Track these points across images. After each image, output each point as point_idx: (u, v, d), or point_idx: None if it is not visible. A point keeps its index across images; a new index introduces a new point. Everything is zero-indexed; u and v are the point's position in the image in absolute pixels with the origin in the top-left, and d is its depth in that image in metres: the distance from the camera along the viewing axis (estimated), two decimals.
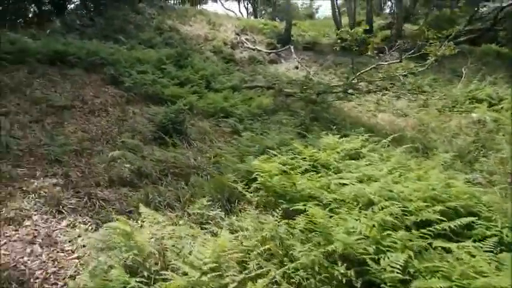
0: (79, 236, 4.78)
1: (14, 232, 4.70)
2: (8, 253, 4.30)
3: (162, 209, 5.59)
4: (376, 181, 5.84)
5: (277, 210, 5.03)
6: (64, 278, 4.08)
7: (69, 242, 4.70)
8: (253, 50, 21.00)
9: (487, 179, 7.37)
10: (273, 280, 3.81)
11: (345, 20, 24.90)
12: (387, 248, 4.14)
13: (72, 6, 19.50)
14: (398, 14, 23.32)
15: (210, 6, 38.91)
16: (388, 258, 3.94)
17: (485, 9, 24.73)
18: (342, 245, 4.05)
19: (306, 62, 20.63)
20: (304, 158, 7.07)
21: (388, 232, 4.38)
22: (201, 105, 11.14)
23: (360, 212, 4.96)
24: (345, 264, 3.92)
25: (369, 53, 15.34)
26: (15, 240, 4.55)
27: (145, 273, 3.83)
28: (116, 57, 12.36)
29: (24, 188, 5.62)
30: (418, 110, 14.28)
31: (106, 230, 4.53)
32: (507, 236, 4.56)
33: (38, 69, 10.21)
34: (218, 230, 4.82)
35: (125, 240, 4.11)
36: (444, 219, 4.62)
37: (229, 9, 38.60)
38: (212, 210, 5.47)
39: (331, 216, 4.78)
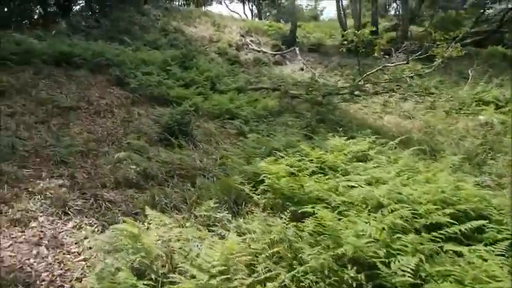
0: (85, 238, 4.74)
1: (20, 233, 4.65)
2: (14, 255, 4.26)
3: (169, 211, 5.54)
4: (384, 183, 5.79)
5: (285, 212, 4.96)
6: (70, 281, 4.03)
7: (76, 243, 4.66)
8: (258, 51, 20.97)
9: (495, 182, 7.32)
10: (283, 284, 3.75)
11: (350, 21, 24.89)
12: (398, 252, 4.07)
13: (78, 7, 19.54)
14: (404, 16, 23.23)
15: (214, 8, 39.07)
16: (399, 261, 3.88)
17: (491, 11, 24.63)
18: (352, 248, 3.99)
19: (311, 63, 20.61)
20: (311, 160, 7.01)
21: (398, 235, 4.33)
22: (207, 106, 11.10)
23: (369, 214, 4.90)
24: (355, 268, 3.85)
25: (376, 54, 15.25)
26: (21, 242, 4.51)
27: (153, 276, 3.77)
28: (121, 59, 12.33)
29: (30, 189, 5.58)
30: (424, 112, 14.23)
31: (113, 232, 4.49)
32: None
33: (43, 70, 10.19)
34: (225, 233, 4.74)
35: (132, 242, 4.06)
36: (455, 222, 4.58)
37: (233, 11, 38.65)
38: (219, 212, 5.42)
39: (339, 219, 4.73)
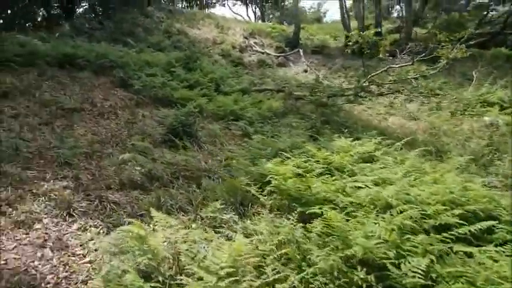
0: (90, 240, 4.68)
1: (24, 235, 4.60)
2: (18, 257, 4.20)
3: (174, 213, 5.49)
4: (391, 184, 5.74)
5: (293, 213, 4.89)
6: (76, 283, 3.97)
7: (81, 245, 4.60)
8: (262, 53, 20.99)
9: (502, 183, 7.26)
10: (292, 286, 3.68)
11: (353, 23, 24.86)
12: (407, 253, 4.02)
13: (81, 10, 19.58)
14: (407, 18, 23.31)
15: (218, 10, 39.31)
16: (409, 262, 3.81)
17: (493, 13, 24.73)
18: (362, 249, 3.93)
19: (315, 65, 20.60)
20: (318, 161, 6.95)
21: (408, 236, 4.28)
22: (211, 108, 11.08)
23: (378, 215, 4.85)
24: (365, 269, 3.79)
25: (381, 55, 15.23)
26: (25, 244, 4.46)
27: (160, 278, 3.72)
28: (125, 60, 12.33)
29: (34, 191, 5.52)
30: (429, 113, 14.17)
31: (118, 234, 4.43)
32: None
33: (47, 72, 10.18)
34: (232, 234, 4.69)
35: (138, 244, 4.01)
36: (464, 223, 4.53)
37: (237, 13, 38.70)
38: (225, 213, 5.38)
39: (347, 220, 4.67)
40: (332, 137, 8.91)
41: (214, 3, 40.71)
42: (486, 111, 13.32)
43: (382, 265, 3.86)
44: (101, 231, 4.93)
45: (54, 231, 4.80)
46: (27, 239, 4.56)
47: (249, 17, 40.20)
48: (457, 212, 4.72)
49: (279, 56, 21.28)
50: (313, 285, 3.72)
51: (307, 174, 6.12)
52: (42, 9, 17.97)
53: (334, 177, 6.19)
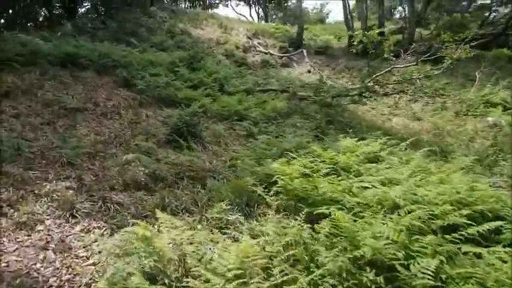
0: (94, 242, 4.61)
1: (26, 237, 4.52)
2: (20, 259, 4.13)
3: (180, 214, 5.43)
4: (397, 184, 5.76)
5: (300, 214, 4.84)
6: (79, 286, 3.90)
7: (84, 247, 4.53)
8: (266, 53, 20.99)
9: (507, 183, 7.21)
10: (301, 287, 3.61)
11: (356, 24, 25.00)
12: (417, 253, 4.03)
13: (83, 10, 19.53)
14: (410, 19, 23.35)
15: (221, 11, 39.35)
16: (419, 263, 3.81)
17: (495, 14, 25.14)
18: (371, 250, 3.90)
19: (319, 66, 20.63)
20: (324, 161, 6.94)
21: (417, 237, 4.27)
22: (215, 108, 11.04)
23: (385, 216, 4.83)
24: (374, 271, 3.76)
25: (385, 55, 15.14)
26: (27, 246, 4.38)
27: (166, 281, 3.67)
28: (128, 60, 12.26)
29: (36, 192, 5.44)
30: (432, 114, 14.33)
31: (123, 235, 4.35)
32: None
33: (49, 71, 10.09)
34: (239, 235, 4.65)
35: (144, 246, 3.93)
36: (472, 223, 4.53)
37: (240, 14, 38.77)
38: (231, 214, 5.34)
39: (355, 221, 4.65)
40: (337, 137, 8.92)
41: (218, 3, 40.86)
42: (489, 112, 13.52)
43: (391, 266, 3.85)
44: (105, 232, 4.86)
45: (56, 232, 4.73)
46: (29, 240, 4.48)
47: (252, 18, 40.30)
48: (464, 212, 4.74)
49: (282, 57, 21.24)
50: (322, 287, 3.67)
51: (314, 174, 6.08)
52: (43, 9, 17.91)
53: (340, 178, 6.20)
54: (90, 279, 3.98)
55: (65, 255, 4.33)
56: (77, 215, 5.09)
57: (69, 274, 4.04)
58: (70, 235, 4.73)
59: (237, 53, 19.90)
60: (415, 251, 4.04)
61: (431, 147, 8.72)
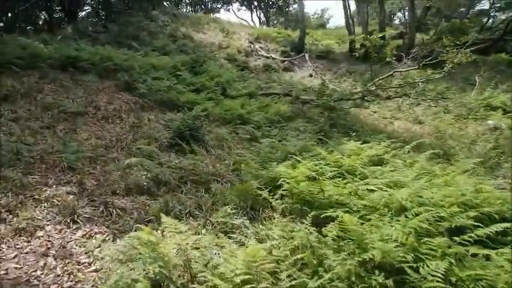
0: (97, 247, 4.50)
1: (25, 244, 4.43)
2: (19, 266, 4.04)
3: (184, 218, 5.34)
4: (403, 187, 5.75)
5: (306, 217, 4.77)
6: None
7: (86, 253, 4.43)
8: (268, 57, 21.13)
9: (511, 185, 7.16)
10: None
11: (357, 29, 25.15)
12: (426, 256, 3.98)
13: (84, 13, 19.51)
14: (410, 24, 23.63)
15: (222, 15, 39.52)
16: (428, 266, 3.79)
17: (493, 20, 26.22)
18: (380, 253, 3.88)
19: (320, 70, 20.79)
20: (328, 164, 6.89)
21: (425, 239, 4.23)
22: (218, 111, 10.99)
23: (392, 218, 4.82)
24: (383, 274, 3.75)
25: (388, 58, 15.14)
26: (27, 253, 4.29)
27: (172, 287, 3.60)
28: (130, 64, 12.20)
29: (36, 197, 5.34)
30: (434, 117, 14.56)
31: (126, 241, 4.24)
32: None
33: (49, 75, 10.01)
34: (244, 239, 4.59)
35: (148, 251, 3.82)
36: (480, 225, 4.49)
37: (242, 18, 38.96)
38: (236, 218, 5.30)
39: (362, 224, 4.64)
40: (341, 140, 8.99)
41: (219, 8, 41.02)
42: (489, 115, 13.85)
43: (400, 269, 3.85)
44: (107, 238, 4.78)
45: (57, 238, 4.64)
46: (29, 247, 4.39)
47: (253, 22, 40.56)
48: (471, 214, 4.76)
49: (284, 61, 21.36)
50: None
51: (320, 178, 6.01)
52: (43, 12, 17.88)
53: (346, 180, 6.17)
54: (93, 286, 3.90)
55: (66, 261, 4.24)
56: (78, 221, 4.99)
57: (71, 281, 3.95)
58: (71, 241, 4.63)
59: (239, 57, 20.00)
60: (424, 253, 4.00)
61: (434, 150, 8.69)
